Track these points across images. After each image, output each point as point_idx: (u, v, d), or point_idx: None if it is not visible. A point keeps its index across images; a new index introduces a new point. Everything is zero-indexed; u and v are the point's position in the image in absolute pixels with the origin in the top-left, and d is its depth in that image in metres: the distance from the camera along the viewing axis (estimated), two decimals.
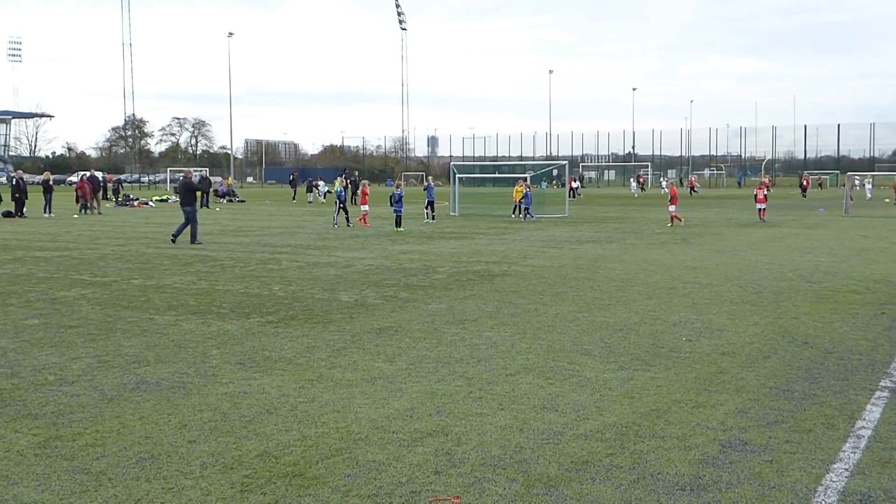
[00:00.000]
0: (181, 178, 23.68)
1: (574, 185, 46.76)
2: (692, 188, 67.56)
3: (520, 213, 35.36)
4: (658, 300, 12.54)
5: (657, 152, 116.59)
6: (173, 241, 22.13)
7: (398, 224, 27.80)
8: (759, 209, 32.92)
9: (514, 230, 27.80)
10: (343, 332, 10.06)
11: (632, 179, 77.64)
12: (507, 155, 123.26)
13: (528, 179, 39.27)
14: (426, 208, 33.00)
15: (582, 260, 18.22)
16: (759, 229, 27.41)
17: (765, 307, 11.89)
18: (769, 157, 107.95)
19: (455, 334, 9.95)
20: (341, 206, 29.76)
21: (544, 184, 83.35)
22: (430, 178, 36.14)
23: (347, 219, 30.21)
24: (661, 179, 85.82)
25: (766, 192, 33.33)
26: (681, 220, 29.48)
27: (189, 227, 22.32)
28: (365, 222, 29.61)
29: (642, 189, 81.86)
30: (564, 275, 15.62)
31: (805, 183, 62.54)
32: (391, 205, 28.67)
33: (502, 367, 8.36)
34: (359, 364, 8.48)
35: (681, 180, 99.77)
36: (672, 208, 29.50)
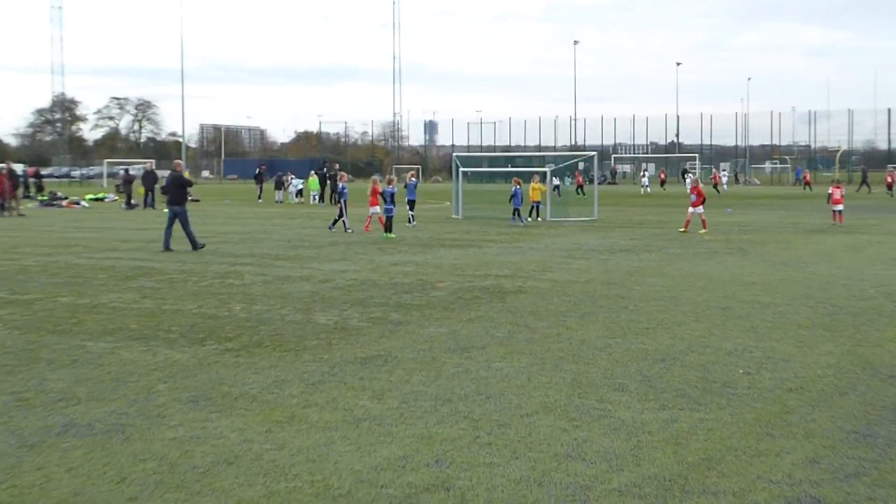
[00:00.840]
0: (170, 172, 24.31)
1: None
2: (716, 185, 68.02)
3: (538, 215, 35.50)
4: (708, 323, 12.52)
5: (706, 141, 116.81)
6: (167, 249, 22.92)
7: (388, 229, 27.83)
8: (835, 211, 32.92)
9: (531, 237, 27.82)
10: (320, 363, 10.04)
11: (642, 173, 77.42)
12: (521, 144, 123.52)
13: (549, 174, 39.33)
14: (408, 209, 33.10)
15: (614, 273, 18.22)
16: (833, 236, 27.44)
17: (841, 332, 11.87)
18: (844, 147, 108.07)
19: (458, 365, 9.93)
20: (341, 206, 30.00)
21: (568, 180, 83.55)
22: (411, 174, 36.21)
23: (336, 222, 30.24)
24: (686, 176, 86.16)
25: (843, 191, 33.45)
26: (700, 228, 29.08)
27: (183, 231, 23.30)
28: (368, 226, 29.97)
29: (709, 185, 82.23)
30: (592, 292, 15.61)
31: (889, 179, 62.85)
32: (383, 203, 28.75)
33: (516, 405, 8.33)
34: (339, 402, 8.45)
35: (736, 175, 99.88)
36: (697, 210, 29.12)
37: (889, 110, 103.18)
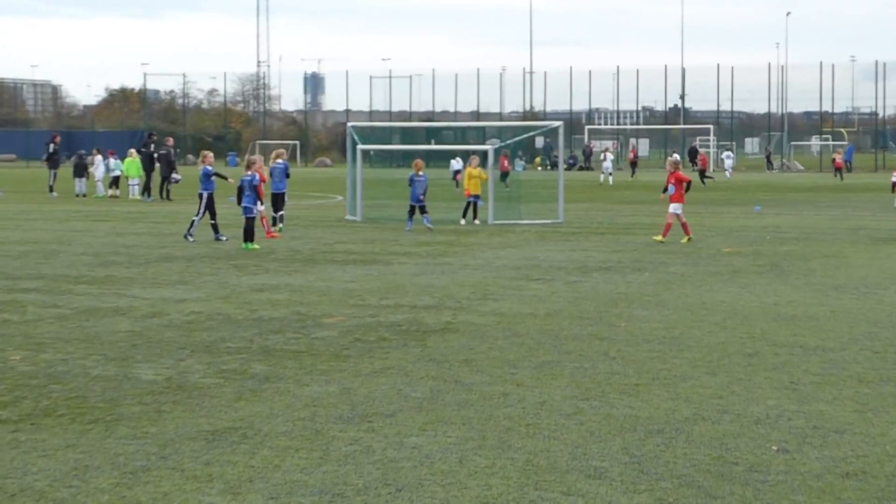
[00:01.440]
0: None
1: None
2: (703, 172, 70.22)
3: (474, 214, 35.60)
4: (727, 377, 12.66)
5: (726, 107, 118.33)
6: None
7: (249, 237, 27.65)
8: None
9: (465, 248, 27.89)
10: (144, 440, 9.94)
11: (604, 152, 77.79)
12: (451, 110, 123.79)
13: (491, 154, 39.46)
14: (273, 209, 32.88)
15: (588, 303, 18.34)
16: None
17: None
18: None
19: (354, 441, 9.90)
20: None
21: (521, 162, 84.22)
22: (277, 153, 35.89)
23: (214, 227, 29.96)
24: (695, 159, 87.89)
25: None
26: (679, 234, 29.29)
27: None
28: (268, 230, 29.81)
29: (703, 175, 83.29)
30: (556, 331, 15.68)
31: None
32: (240, 198, 28.54)
33: (442, 501, 8.35)
34: (174, 499, 8.38)
35: (768, 158, 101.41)
36: (673, 208, 29.34)
37: None
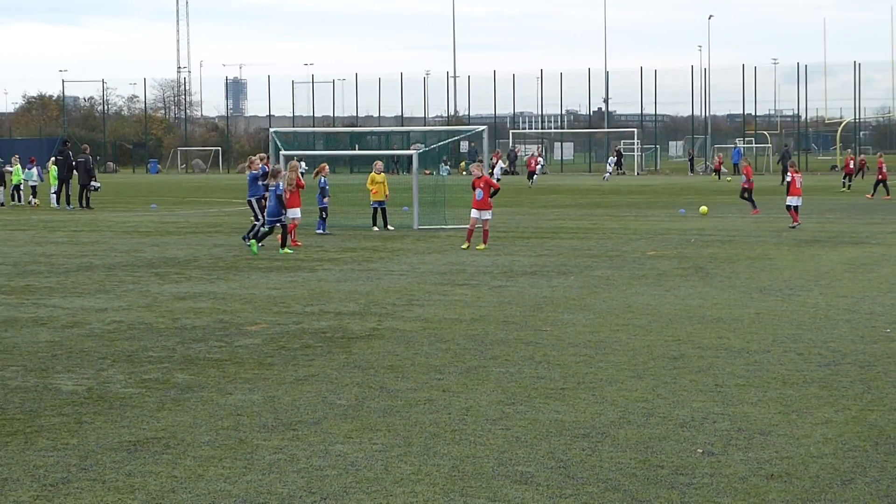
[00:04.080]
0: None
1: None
2: (532, 173, 73.32)
3: (385, 223, 35.37)
4: (653, 380, 12.74)
5: (650, 110, 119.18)
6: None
7: (258, 237, 28.15)
8: (789, 206, 34.67)
9: (389, 254, 27.87)
10: (64, 452, 9.87)
11: (493, 160, 79.02)
12: (374, 115, 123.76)
13: (415, 160, 39.47)
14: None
15: (514, 308, 18.39)
16: (833, 249, 28.27)
17: (843, 391, 12.22)
18: (848, 118, 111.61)
19: (278, 450, 9.88)
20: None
21: (446, 168, 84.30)
22: (263, 156, 35.62)
23: (255, 235, 29.73)
24: (613, 160, 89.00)
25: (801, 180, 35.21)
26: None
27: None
28: (294, 238, 29.51)
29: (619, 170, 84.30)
30: (482, 336, 15.72)
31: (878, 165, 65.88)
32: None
33: None
34: None
35: (691, 160, 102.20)
36: (483, 214, 28.71)
37: None
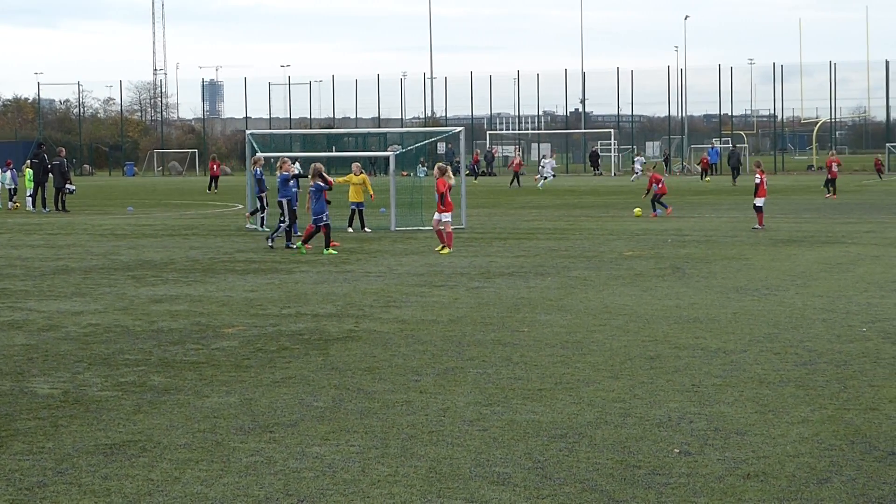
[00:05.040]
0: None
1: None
2: (704, 170, 71.74)
3: (362, 224, 35.28)
4: (629, 380, 12.76)
5: (626, 111, 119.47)
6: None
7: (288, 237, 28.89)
8: (756, 206, 34.96)
9: (367, 256, 27.87)
10: (39, 455, 9.85)
11: (635, 159, 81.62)
12: (351, 117, 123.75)
13: (392, 161, 39.47)
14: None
15: (491, 309, 18.41)
16: (810, 249, 28.36)
17: (820, 390, 12.26)
18: (824, 118, 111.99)
19: (255, 452, 9.87)
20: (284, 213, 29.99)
21: (423, 170, 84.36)
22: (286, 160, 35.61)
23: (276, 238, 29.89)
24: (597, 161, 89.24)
25: (766, 179, 35.51)
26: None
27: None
28: (446, 241, 28.87)
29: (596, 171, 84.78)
30: (459, 337, 15.73)
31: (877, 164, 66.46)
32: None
33: None
34: None
35: (666, 160, 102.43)
36: (444, 216, 28.73)
37: (888, 63, 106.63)
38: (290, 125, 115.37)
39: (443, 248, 28.30)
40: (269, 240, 29.79)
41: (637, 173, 78.41)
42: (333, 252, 27.78)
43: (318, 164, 29.43)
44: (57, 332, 16.46)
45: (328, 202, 28.63)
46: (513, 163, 79.56)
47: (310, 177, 28.59)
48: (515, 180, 74.26)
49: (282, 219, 29.90)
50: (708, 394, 12.04)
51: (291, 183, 30.37)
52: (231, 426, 10.82)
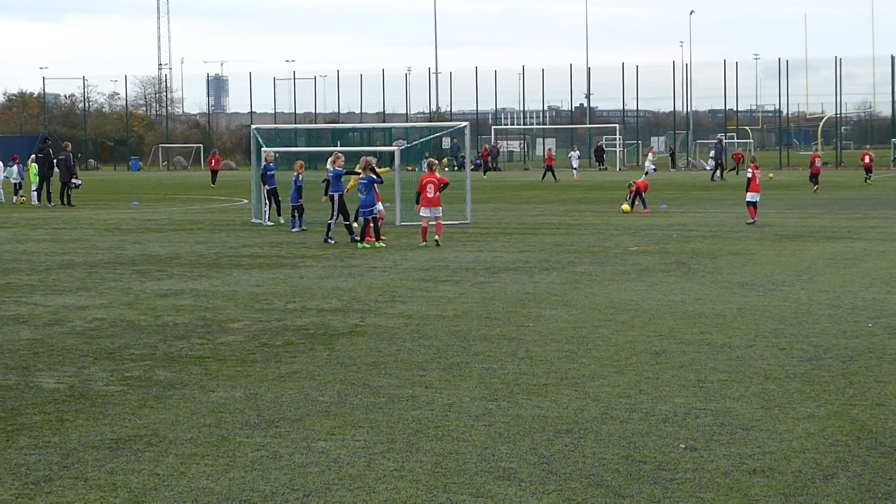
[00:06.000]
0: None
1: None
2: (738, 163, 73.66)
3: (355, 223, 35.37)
4: (635, 376, 12.76)
5: (631, 106, 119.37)
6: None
7: (363, 236, 28.65)
8: (749, 202, 34.86)
9: (373, 249, 27.86)
10: (45, 449, 9.86)
11: (648, 154, 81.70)
12: (356, 112, 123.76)
13: (398, 156, 39.44)
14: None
15: (496, 304, 18.40)
16: (815, 244, 28.33)
17: (825, 386, 12.27)
18: (829, 114, 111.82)
19: (261, 447, 9.88)
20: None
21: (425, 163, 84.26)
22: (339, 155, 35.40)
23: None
24: (602, 156, 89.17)
25: (760, 175, 35.62)
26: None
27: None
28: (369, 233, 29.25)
29: (602, 166, 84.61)
30: (464, 332, 15.73)
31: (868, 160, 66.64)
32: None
33: None
34: None
35: (672, 156, 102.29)
36: (429, 212, 29.21)
37: (893, 59, 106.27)
38: (294, 120, 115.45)
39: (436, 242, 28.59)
40: (327, 239, 29.74)
41: (652, 169, 78.28)
42: (367, 246, 28.09)
43: (370, 158, 29.69)
44: (62, 326, 16.48)
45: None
46: (548, 157, 79.96)
47: (360, 170, 28.83)
48: (550, 174, 74.61)
49: (335, 215, 29.93)
50: (713, 389, 12.04)
51: (300, 178, 30.56)
52: (236, 421, 10.82)
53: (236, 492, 8.66)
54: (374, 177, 28.54)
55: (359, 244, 28.30)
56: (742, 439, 10.06)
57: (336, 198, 29.84)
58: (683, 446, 9.82)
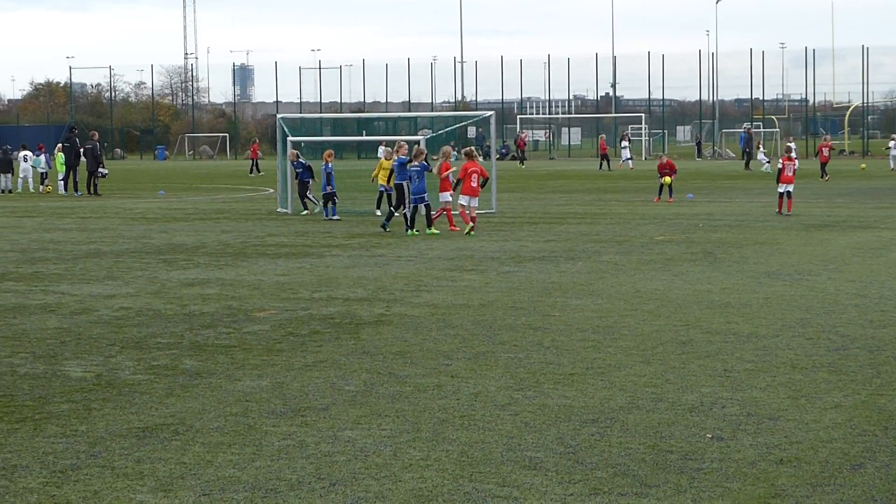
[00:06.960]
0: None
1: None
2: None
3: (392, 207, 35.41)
4: (661, 365, 12.75)
5: (657, 94, 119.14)
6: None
7: (412, 223, 29.11)
8: (782, 193, 34.48)
9: (397, 240, 27.87)
10: (73, 438, 9.89)
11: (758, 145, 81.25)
12: (381, 101, 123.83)
13: (423, 144, 39.43)
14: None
15: (522, 293, 18.39)
16: (842, 234, 28.25)
17: (853, 376, 12.23)
18: (856, 103, 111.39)
19: (287, 436, 9.89)
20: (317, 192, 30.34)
21: (454, 154, 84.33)
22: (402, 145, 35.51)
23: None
24: (624, 142, 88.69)
25: (796, 166, 35.20)
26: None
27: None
28: (461, 220, 29.69)
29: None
30: (490, 321, 15.73)
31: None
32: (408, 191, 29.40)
33: (377, 495, 8.35)
34: (104, 497, 8.32)
35: (698, 145, 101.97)
36: (464, 200, 29.45)
37: None
38: (320, 109, 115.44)
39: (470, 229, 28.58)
40: (384, 227, 30.01)
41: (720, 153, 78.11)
42: (437, 232, 28.81)
43: (419, 147, 30.06)
44: (89, 315, 16.53)
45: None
46: (601, 146, 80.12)
47: (413, 157, 29.25)
48: (605, 162, 74.82)
49: (396, 204, 30.24)
50: (740, 379, 12.02)
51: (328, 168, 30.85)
52: (263, 410, 10.84)
53: (263, 480, 8.68)
54: (427, 164, 29.05)
55: (408, 231, 28.68)
56: (769, 429, 10.04)
57: (404, 186, 29.87)
58: (710, 436, 9.81)
